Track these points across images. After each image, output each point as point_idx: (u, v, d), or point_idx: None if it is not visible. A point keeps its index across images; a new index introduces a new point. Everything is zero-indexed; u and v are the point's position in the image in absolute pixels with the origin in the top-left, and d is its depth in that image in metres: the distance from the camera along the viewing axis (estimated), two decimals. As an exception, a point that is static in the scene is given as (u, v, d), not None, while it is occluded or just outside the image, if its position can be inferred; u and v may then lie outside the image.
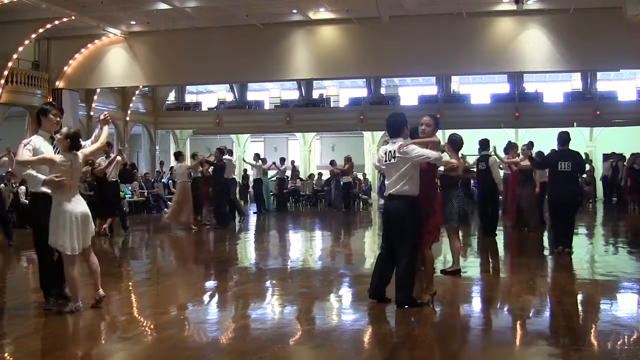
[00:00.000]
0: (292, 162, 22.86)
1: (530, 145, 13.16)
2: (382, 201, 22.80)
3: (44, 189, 6.09)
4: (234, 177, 17.07)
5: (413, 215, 6.07)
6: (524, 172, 12.40)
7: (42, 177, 5.99)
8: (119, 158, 13.01)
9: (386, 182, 6.32)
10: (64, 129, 6.13)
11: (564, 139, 9.64)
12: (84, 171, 11.49)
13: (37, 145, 6.13)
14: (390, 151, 6.14)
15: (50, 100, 22.29)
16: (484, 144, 11.94)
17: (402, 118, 6.32)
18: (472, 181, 14.19)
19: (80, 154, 6.17)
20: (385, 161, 6.19)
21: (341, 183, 20.49)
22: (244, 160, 22.42)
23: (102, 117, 6.62)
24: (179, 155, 15.26)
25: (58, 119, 6.39)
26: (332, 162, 21.59)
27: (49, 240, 5.95)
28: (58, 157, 5.99)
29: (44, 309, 6.13)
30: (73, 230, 5.90)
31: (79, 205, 6.04)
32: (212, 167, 14.93)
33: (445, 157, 6.93)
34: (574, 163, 9.44)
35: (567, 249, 9.46)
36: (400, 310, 6.02)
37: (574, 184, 9.98)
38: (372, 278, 6.40)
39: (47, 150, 6.15)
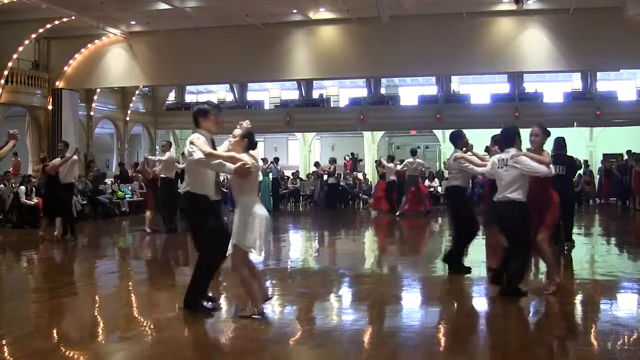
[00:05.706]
0: (276, 159, 22.41)
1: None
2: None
3: (202, 192, 5.89)
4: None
5: (522, 219, 6.61)
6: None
7: (231, 166, 5.58)
8: (75, 157, 12.27)
9: (499, 186, 6.88)
10: (237, 130, 5.80)
11: (560, 144, 9.91)
12: (36, 169, 10.56)
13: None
14: (503, 159, 6.78)
15: (50, 99, 22.35)
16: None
17: (515, 131, 6.95)
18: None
19: (256, 153, 5.89)
20: (499, 167, 6.81)
21: (327, 183, 21.19)
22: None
23: (242, 125, 5.98)
24: (169, 146, 14.65)
25: (219, 119, 6.10)
26: (317, 164, 22.66)
27: (235, 240, 5.72)
28: (247, 158, 5.65)
29: (207, 314, 5.97)
30: (262, 232, 5.70)
31: (263, 208, 5.84)
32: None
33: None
34: (568, 167, 9.82)
35: (568, 242, 9.61)
36: (400, 310, 6.02)
37: (569, 185, 10.46)
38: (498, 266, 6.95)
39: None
